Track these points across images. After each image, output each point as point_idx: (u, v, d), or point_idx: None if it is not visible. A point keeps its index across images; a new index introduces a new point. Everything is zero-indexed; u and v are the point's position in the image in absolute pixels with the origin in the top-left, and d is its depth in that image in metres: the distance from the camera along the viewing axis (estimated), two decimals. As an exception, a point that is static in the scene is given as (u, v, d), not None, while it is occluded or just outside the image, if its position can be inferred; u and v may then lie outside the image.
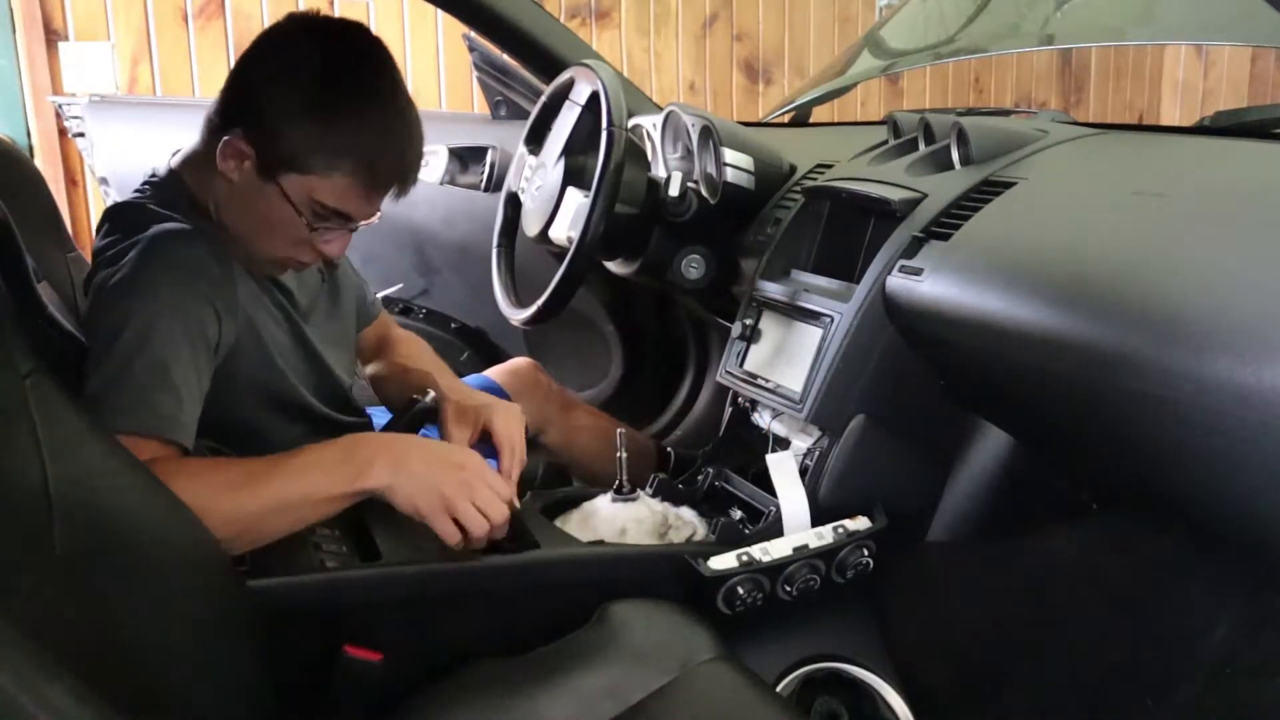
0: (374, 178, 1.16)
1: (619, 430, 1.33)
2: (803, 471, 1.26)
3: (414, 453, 1.09)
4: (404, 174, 1.19)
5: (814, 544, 1.19)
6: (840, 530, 1.20)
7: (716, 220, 1.54)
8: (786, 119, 2.17)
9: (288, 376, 1.28)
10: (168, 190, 1.24)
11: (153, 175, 1.27)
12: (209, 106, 1.21)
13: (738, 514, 1.32)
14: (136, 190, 1.26)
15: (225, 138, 1.14)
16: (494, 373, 1.75)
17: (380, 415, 1.49)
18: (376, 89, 1.17)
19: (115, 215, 1.23)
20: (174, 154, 1.29)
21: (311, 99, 1.13)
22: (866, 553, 1.21)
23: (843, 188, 1.34)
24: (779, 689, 1.20)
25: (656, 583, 1.17)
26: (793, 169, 1.57)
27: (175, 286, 1.12)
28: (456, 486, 1.08)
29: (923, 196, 1.23)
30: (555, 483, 1.70)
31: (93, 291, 1.17)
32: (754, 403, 1.40)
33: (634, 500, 1.28)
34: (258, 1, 2.95)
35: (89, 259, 1.32)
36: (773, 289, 1.38)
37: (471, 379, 1.73)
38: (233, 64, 1.20)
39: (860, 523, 1.22)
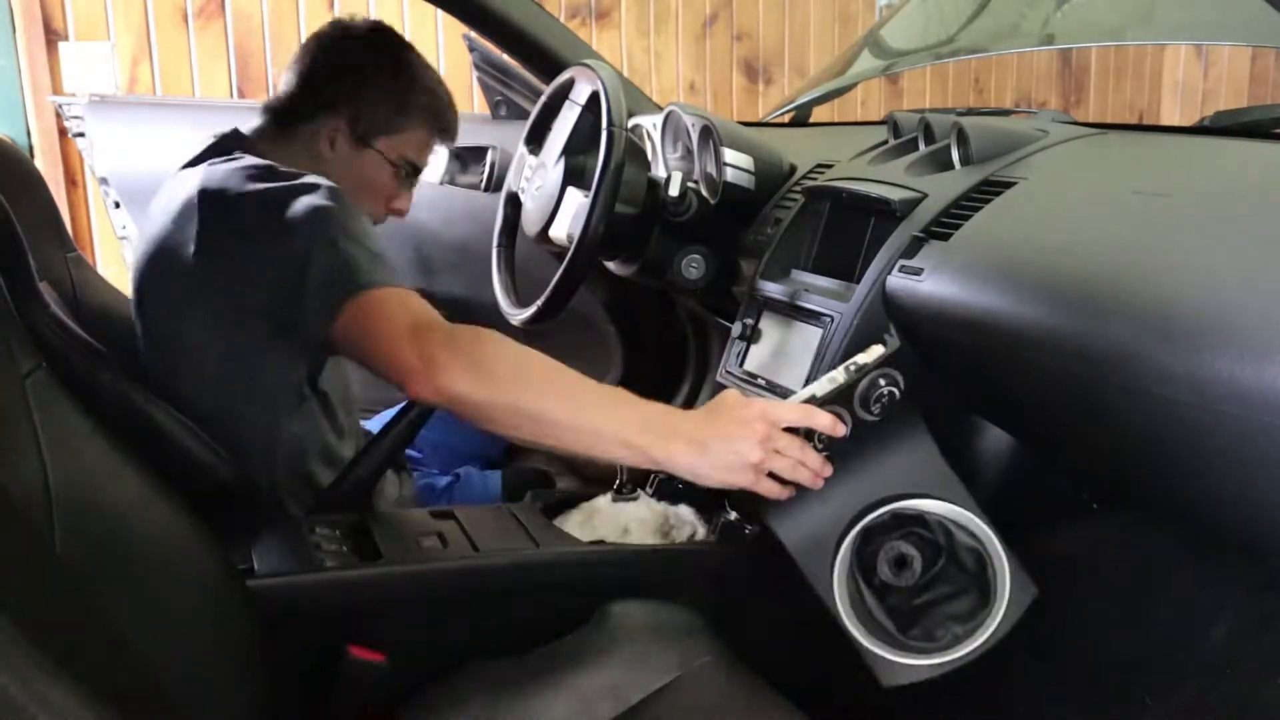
0: (445, 126, 1.47)
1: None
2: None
3: (701, 429, 1.05)
4: (456, 124, 1.50)
5: (824, 390, 1.08)
6: (851, 368, 1.10)
7: (716, 220, 1.54)
8: (786, 119, 2.17)
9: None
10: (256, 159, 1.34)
11: (227, 148, 1.37)
12: (275, 101, 1.43)
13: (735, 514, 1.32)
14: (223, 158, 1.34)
15: (323, 122, 1.39)
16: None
17: (374, 424, 1.49)
18: (423, 62, 1.47)
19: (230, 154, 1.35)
20: (213, 143, 1.38)
21: (389, 73, 1.41)
22: (885, 382, 1.11)
23: (843, 188, 1.34)
24: (839, 556, 1.11)
25: (656, 583, 1.17)
26: (793, 169, 1.57)
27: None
28: (758, 449, 1.03)
29: (923, 196, 1.23)
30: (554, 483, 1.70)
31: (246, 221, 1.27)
32: (754, 403, 1.39)
33: (634, 500, 1.28)
34: (258, 1, 2.95)
35: (89, 259, 1.32)
36: (773, 289, 1.38)
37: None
38: (298, 65, 1.43)
39: (871, 354, 1.11)
